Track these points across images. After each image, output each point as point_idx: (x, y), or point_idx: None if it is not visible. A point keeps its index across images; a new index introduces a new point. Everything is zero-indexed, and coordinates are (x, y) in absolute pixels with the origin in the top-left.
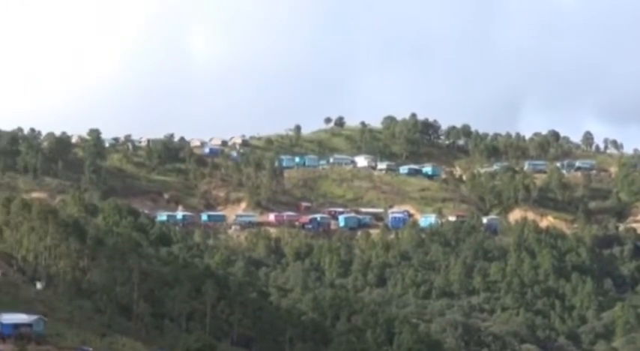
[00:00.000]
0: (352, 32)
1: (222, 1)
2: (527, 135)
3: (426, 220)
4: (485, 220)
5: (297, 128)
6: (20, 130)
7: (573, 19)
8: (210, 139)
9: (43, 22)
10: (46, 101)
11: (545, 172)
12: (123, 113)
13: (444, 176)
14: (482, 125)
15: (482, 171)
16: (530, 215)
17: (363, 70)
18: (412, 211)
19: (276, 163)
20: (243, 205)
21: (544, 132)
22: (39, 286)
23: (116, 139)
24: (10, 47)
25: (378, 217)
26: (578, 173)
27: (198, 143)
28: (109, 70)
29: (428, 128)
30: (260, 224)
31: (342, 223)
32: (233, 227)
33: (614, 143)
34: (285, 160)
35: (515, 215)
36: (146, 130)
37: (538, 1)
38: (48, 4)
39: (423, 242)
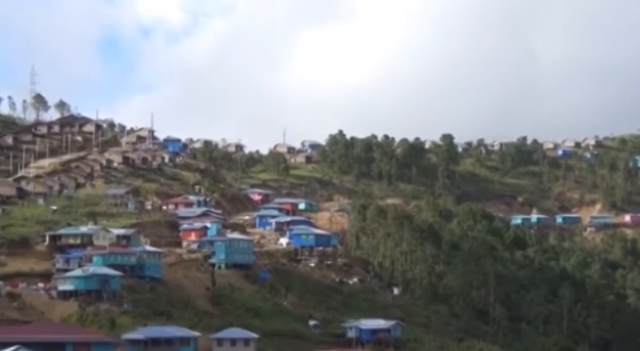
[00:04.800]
0: None
1: (566, 2)
2: None
3: None
4: None
5: None
6: (374, 137)
7: None
8: (563, 141)
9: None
10: (400, 108)
11: None
12: (475, 117)
13: None
14: None
15: None
16: None
17: None
18: None
19: (631, 164)
20: (598, 206)
21: None
22: (396, 291)
23: (469, 144)
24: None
25: None
26: None
27: (551, 145)
28: (461, 79)
29: None
30: (615, 225)
31: None
32: (588, 229)
33: None
34: None
35: None
36: (499, 133)
37: None
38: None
39: None
